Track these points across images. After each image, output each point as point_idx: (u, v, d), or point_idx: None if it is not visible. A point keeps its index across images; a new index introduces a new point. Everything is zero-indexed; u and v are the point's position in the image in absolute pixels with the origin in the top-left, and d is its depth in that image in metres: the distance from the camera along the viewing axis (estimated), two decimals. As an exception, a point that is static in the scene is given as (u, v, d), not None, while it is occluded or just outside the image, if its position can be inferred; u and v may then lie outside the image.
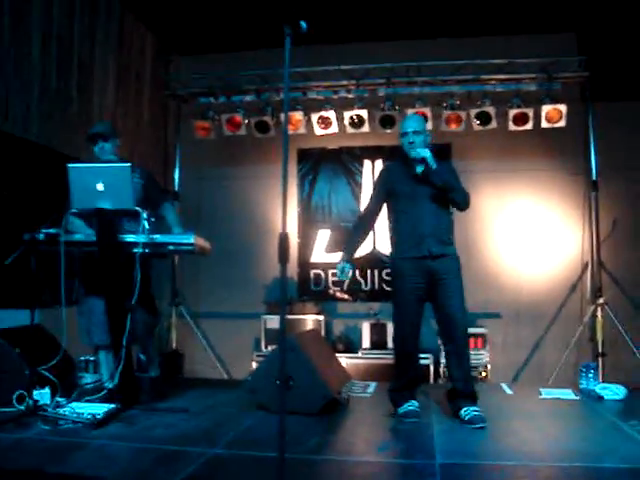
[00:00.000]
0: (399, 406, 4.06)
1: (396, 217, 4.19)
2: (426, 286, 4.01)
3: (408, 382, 4.13)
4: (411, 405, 4.05)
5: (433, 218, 4.03)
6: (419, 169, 4.08)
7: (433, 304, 4.07)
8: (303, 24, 2.48)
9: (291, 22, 2.45)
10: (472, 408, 3.86)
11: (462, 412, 3.87)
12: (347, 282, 7.56)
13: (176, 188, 7.58)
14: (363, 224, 4.43)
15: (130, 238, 3.99)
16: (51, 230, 3.99)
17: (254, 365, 6.72)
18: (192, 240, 4.02)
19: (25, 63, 5.17)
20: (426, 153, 3.96)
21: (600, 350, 6.46)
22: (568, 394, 4.77)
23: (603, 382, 5.00)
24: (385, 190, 4.24)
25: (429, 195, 4.03)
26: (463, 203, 4.07)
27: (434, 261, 3.98)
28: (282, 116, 6.91)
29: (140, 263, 3.93)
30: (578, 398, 4.68)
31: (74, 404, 3.94)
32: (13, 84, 5.02)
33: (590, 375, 4.86)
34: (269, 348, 6.82)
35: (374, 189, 4.42)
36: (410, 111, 6.78)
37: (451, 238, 4.13)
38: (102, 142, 4.38)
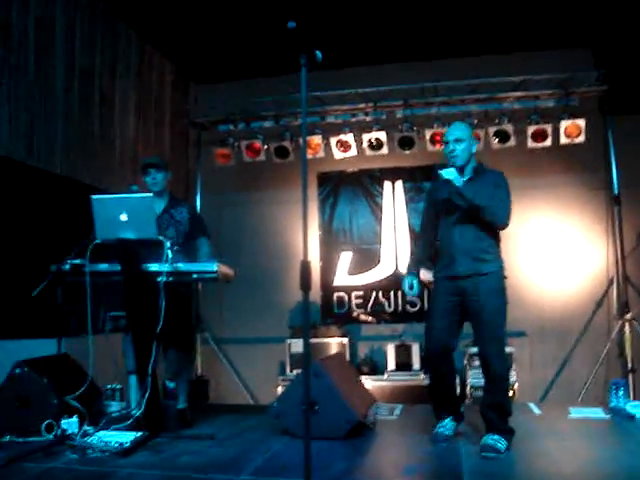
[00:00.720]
0: (435, 425, 4.04)
1: (437, 233, 4.10)
2: (460, 306, 3.89)
3: (442, 402, 4.08)
4: (442, 426, 3.99)
5: (469, 234, 3.85)
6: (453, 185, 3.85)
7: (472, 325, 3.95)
8: (318, 54, 2.51)
9: (307, 51, 2.48)
10: (490, 436, 3.69)
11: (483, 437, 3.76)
12: (371, 304, 7.57)
13: (198, 215, 7.67)
14: (422, 238, 4.27)
15: (154, 267, 4.03)
16: (76, 261, 4.04)
17: (280, 390, 6.71)
18: (215, 268, 4.04)
19: (49, 97, 5.30)
20: (450, 175, 3.74)
21: (630, 366, 6.36)
22: (598, 413, 4.69)
23: (634, 400, 4.92)
24: (431, 203, 4.18)
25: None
26: (494, 221, 3.80)
27: (465, 280, 3.84)
28: (301, 141, 6.97)
29: (174, 295, 3.98)
30: (608, 417, 4.59)
31: (101, 432, 3.95)
32: (37, 118, 5.14)
33: (620, 393, 4.77)
34: (294, 372, 6.80)
35: (425, 203, 4.36)
36: (428, 132, 6.82)
37: (492, 255, 3.89)
38: (155, 172, 4.48)
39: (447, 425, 3.99)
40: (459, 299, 3.88)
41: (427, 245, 4.23)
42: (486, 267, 3.84)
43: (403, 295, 7.45)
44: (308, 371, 2.22)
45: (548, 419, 4.68)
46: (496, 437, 3.66)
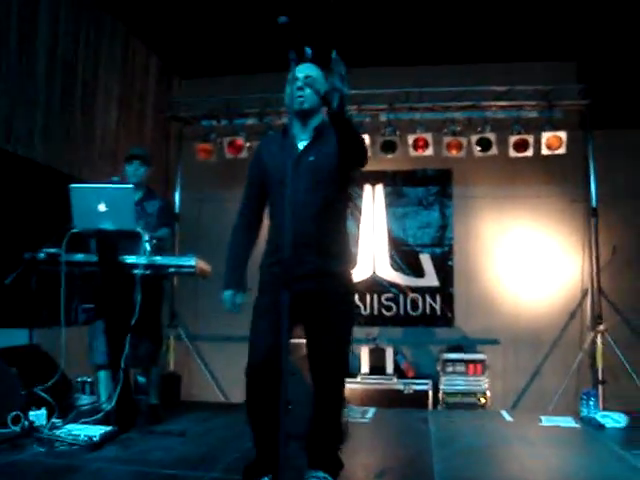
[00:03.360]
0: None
1: (269, 212, 3.11)
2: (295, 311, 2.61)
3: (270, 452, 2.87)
4: None
5: (313, 216, 2.88)
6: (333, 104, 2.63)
7: (306, 336, 3.11)
8: (308, 50, 2.50)
9: (296, 48, 2.47)
10: (312, 472, 2.97)
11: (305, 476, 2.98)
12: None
13: (177, 210, 7.61)
14: (244, 228, 3.29)
15: (131, 259, 3.98)
16: (52, 249, 3.98)
17: (252, 388, 6.65)
18: (193, 263, 4.02)
19: (30, 83, 5.21)
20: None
21: (600, 377, 6.42)
22: (569, 421, 4.74)
23: (604, 410, 4.98)
24: (258, 172, 3.07)
25: (311, 178, 2.86)
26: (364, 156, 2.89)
27: (305, 282, 2.83)
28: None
29: (147, 289, 3.94)
30: (579, 426, 4.64)
31: (70, 426, 3.90)
32: (17, 104, 5.05)
33: (591, 402, 4.83)
34: (267, 371, 6.74)
35: (248, 175, 3.18)
36: (411, 137, 6.84)
37: (341, 247, 3.02)
38: (139, 165, 4.50)
39: None
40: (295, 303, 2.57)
41: (255, 234, 3.28)
42: (334, 265, 2.97)
43: (379, 299, 7.45)
44: (286, 369, 2.20)
45: (519, 426, 4.73)
46: (321, 475, 2.95)
